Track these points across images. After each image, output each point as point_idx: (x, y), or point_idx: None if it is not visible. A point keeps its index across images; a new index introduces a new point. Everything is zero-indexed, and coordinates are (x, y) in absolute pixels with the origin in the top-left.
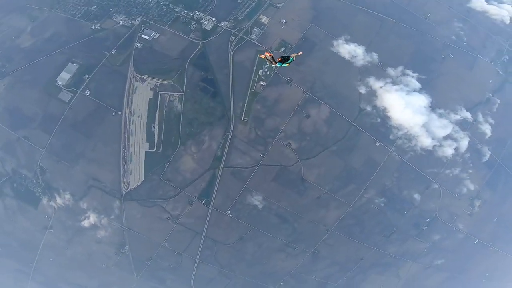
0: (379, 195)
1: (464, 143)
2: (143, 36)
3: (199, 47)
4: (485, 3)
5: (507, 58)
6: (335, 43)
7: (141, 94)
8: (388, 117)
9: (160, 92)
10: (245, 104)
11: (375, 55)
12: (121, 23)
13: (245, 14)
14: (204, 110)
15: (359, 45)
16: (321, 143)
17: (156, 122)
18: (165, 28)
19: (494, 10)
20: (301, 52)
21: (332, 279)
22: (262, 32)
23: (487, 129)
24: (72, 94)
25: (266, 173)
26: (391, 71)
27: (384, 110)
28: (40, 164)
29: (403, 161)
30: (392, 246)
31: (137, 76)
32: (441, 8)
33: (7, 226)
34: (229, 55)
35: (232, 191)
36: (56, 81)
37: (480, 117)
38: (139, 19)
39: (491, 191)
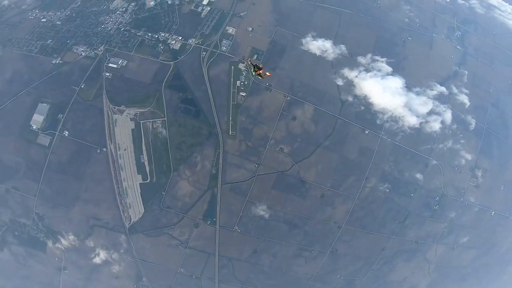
0: (381, 182)
1: (448, 116)
2: (110, 65)
3: (171, 68)
4: None
5: (460, 33)
6: (303, 41)
7: (122, 126)
8: (370, 104)
9: (141, 121)
10: (230, 118)
11: (343, 47)
12: (83, 54)
13: (211, 28)
14: (190, 131)
15: (326, 40)
16: (313, 142)
17: (144, 152)
18: (131, 54)
19: None
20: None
21: (358, 275)
22: (231, 43)
23: (464, 99)
24: (51, 137)
25: (265, 182)
26: (361, 59)
27: (365, 97)
28: (36, 211)
29: (396, 143)
30: (410, 231)
31: (114, 108)
32: None
33: (23, 271)
34: (204, 71)
35: (235, 206)
36: (30, 125)
37: (454, 89)
38: (102, 48)
39: (487, 159)
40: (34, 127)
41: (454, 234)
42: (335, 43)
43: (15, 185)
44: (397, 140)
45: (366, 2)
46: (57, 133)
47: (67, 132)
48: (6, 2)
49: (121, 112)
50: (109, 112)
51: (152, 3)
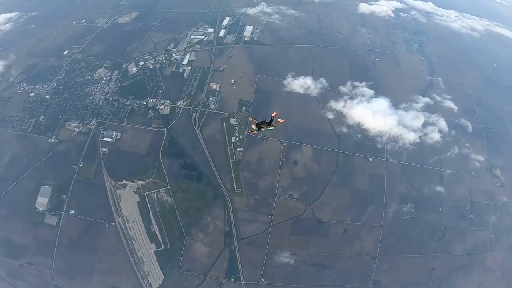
0: (403, 204)
1: (443, 123)
2: (105, 139)
3: (165, 135)
4: (368, 5)
5: (417, 45)
6: (285, 82)
7: (127, 200)
8: (365, 130)
9: (145, 193)
10: (233, 176)
11: (323, 80)
12: (76, 130)
13: (195, 87)
14: (195, 195)
15: (306, 76)
16: (320, 181)
17: (153, 222)
18: (123, 125)
19: (377, 9)
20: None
21: None
22: (218, 99)
23: (450, 104)
24: (58, 217)
25: (282, 231)
26: (343, 88)
27: (358, 125)
28: (54, 283)
29: (403, 163)
30: (456, 245)
31: (116, 183)
32: (342, 22)
33: None
34: (197, 133)
35: (257, 259)
36: (36, 208)
37: (437, 97)
38: (93, 121)
39: (499, 156)
40: (40, 209)
41: (504, 237)
42: (315, 78)
43: (29, 260)
44: (403, 160)
45: (329, 34)
46: (63, 213)
47: (73, 211)
48: None
49: (124, 186)
50: (112, 188)
51: (134, 69)
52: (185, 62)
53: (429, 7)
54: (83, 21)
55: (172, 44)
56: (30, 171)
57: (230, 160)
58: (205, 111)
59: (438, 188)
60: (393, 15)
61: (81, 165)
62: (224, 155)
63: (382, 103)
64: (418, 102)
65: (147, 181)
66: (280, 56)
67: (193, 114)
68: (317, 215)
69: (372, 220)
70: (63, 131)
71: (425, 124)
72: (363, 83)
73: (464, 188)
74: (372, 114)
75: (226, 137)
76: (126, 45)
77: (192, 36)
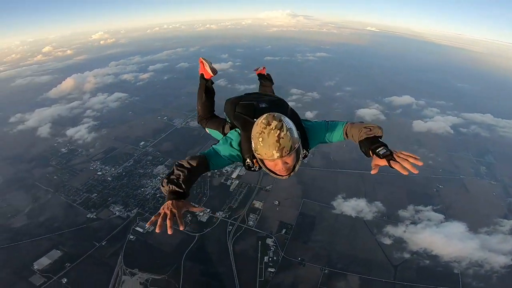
0: None
1: None
2: (137, 228)
3: (195, 240)
4: (423, 122)
5: (484, 168)
6: (335, 204)
7: None
8: (436, 256)
9: None
10: None
11: (378, 204)
12: (117, 213)
13: (239, 201)
14: None
15: (359, 198)
16: None
17: None
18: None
19: (433, 125)
20: None
21: None
22: (258, 217)
23: None
24: (46, 279)
25: None
26: (403, 213)
27: (425, 250)
28: None
29: None
30: None
31: (126, 269)
32: (397, 144)
33: None
34: (229, 245)
35: None
36: (33, 265)
37: None
38: (135, 210)
39: None
40: (35, 267)
41: None
42: (369, 201)
43: None
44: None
45: None
46: (54, 277)
47: (65, 280)
48: (81, 142)
49: (133, 274)
50: (119, 271)
51: None
52: (234, 175)
53: (489, 119)
54: (165, 117)
55: None
56: (54, 235)
57: (258, 279)
58: (243, 226)
59: None
60: (451, 131)
61: (103, 243)
62: (253, 272)
63: (457, 227)
64: (503, 225)
65: (160, 277)
66: (330, 180)
67: (230, 227)
68: None
69: None
70: (105, 211)
71: None
72: (428, 207)
73: None
74: (445, 238)
75: (259, 255)
76: (189, 148)
77: None
